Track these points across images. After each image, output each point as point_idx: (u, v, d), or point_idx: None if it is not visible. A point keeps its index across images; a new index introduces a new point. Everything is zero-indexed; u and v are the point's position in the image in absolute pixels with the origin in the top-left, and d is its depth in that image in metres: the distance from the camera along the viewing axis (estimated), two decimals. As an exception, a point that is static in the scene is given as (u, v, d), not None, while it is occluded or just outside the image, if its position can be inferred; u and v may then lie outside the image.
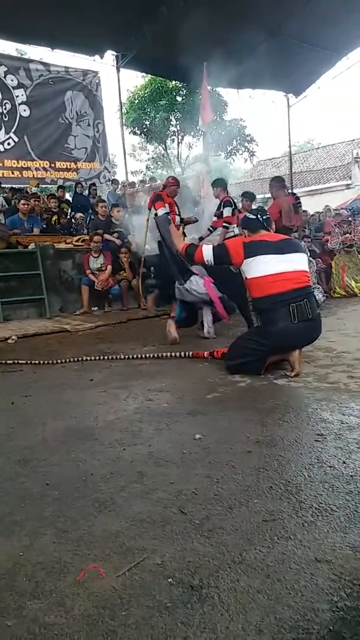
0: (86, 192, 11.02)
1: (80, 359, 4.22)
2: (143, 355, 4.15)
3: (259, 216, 3.55)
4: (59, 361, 4.19)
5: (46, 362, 4.20)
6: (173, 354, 4.07)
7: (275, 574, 1.29)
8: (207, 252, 3.60)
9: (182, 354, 4.02)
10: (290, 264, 3.27)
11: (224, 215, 6.68)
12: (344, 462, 1.91)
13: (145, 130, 21.75)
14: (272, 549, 1.40)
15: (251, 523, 1.54)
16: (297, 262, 3.31)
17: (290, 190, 7.39)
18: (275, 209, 6.63)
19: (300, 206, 7.70)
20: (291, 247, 3.38)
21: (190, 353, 4.01)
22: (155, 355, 4.12)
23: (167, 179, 6.92)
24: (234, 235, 6.56)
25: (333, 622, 1.12)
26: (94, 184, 11.54)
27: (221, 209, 6.91)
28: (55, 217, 9.33)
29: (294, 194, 7.38)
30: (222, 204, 6.93)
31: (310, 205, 14.35)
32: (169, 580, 1.29)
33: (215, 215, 7.15)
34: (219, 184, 7.33)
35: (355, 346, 3.96)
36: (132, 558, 1.40)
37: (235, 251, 3.41)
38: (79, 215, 9.98)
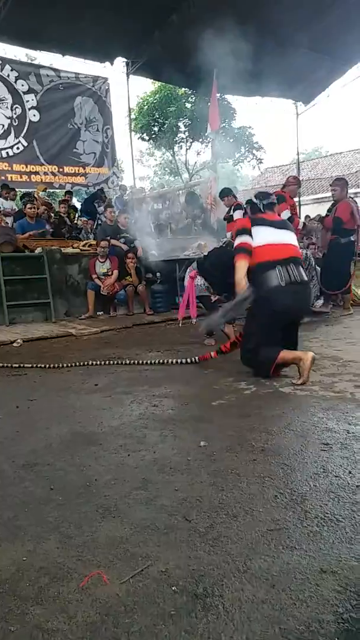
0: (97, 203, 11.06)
1: (85, 363, 4.22)
2: (148, 362, 4.15)
3: (260, 201, 3.83)
4: (64, 365, 4.20)
5: (51, 366, 4.20)
6: (179, 360, 4.07)
7: (280, 584, 1.28)
8: (239, 259, 3.54)
9: (190, 360, 4.03)
10: (282, 237, 3.59)
11: (235, 218, 6.72)
12: (350, 472, 1.90)
13: (153, 136, 21.81)
14: (277, 559, 1.39)
15: (256, 532, 1.53)
16: (288, 238, 3.64)
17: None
18: (347, 209, 6.63)
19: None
20: (284, 225, 3.74)
21: (197, 358, 4.02)
22: (162, 361, 4.12)
23: (288, 179, 6.74)
24: None
25: (338, 633, 1.11)
26: (101, 190, 11.59)
27: (231, 212, 6.95)
28: (62, 222, 9.39)
29: (351, 197, 7.41)
30: (233, 207, 6.98)
31: (318, 213, 14.34)
32: (173, 588, 1.29)
33: (224, 219, 7.19)
34: (227, 192, 7.39)
35: (362, 355, 3.94)
36: (136, 565, 1.40)
37: (245, 222, 3.70)
38: (83, 219, 10.06)
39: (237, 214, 6.74)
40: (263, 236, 3.53)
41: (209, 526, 1.58)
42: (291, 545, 1.45)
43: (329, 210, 7.04)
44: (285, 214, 6.04)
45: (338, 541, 1.45)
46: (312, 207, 19.69)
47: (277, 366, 3.40)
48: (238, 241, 3.58)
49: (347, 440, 2.23)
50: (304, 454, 2.10)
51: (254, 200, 3.89)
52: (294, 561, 1.37)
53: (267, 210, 3.80)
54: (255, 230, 3.55)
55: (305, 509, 1.64)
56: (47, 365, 4.20)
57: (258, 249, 3.50)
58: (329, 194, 7.33)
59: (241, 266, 3.51)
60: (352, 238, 6.70)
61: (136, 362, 4.17)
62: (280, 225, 3.70)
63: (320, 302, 6.77)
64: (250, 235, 3.55)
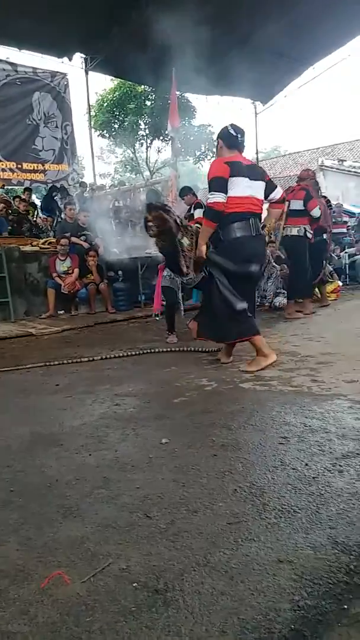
0: (57, 197, 10.90)
1: (46, 363, 4.17)
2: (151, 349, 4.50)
3: (239, 136, 3.64)
4: (24, 366, 4.13)
5: (11, 367, 4.13)
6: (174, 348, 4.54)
7: (239, 575, 1.31)
8: (207, 225, 3.61)
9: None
10: (256, 190, 3.58)
11: (195, 217, 6.75)
12: (307, 465, 1.96)
13: (113, 133, 21.64)
14: (236, 551, 1.42)
15: (216, 526, 1.56)
16: (259, 191, 3.62)
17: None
18: None
19: (331, 209, 8.13)
20: (258, 174, 3.65)
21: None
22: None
23: (307, 172, 6.56)
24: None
25: (294, 621, 1.14)
26: (62, 187, 11.43)
27: (192, 212, 6.97)
28: (23, 219, 9.21)
29: (325, 196, 7.54)
30: (193, 206, 7.01)
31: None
32: (134, 584, 1.30)
33: (185, 218, 7.20)
34: (187, 190, 7.40)
35: (319, 350, 4.05)
36: (97, 564, 1.40)
37: (223, 170, 3.49)
38: (42, 217, 9.92)
39: (197, 213, 6.76)
40: (241, 188, 3.49)
41: (170, 522, 1.59)
42: (250, 537, 1.48)
43: None
44: (317, 212, 6.12)
45: (294, 531, 1.50)
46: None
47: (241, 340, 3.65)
48: (212, 200, 3.47)
49: (304, 433, 2.29)
50: (263, 448, 2.15)
51: (231, 132, 3.62)
52: (253, 553, 1.41)
53: (242, 150, 3.68)
54: (237, 181, 3.46)
55: (264, 502, 1.68)
56: (7, 366, 4.13)
57: (235, 198, 3.48)
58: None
59: (205, 233, 3.56)
60: (324, 236, 6.84)
61: (128, 353, 4.45)
62: (253, 173, 3.59)
63: (280, 298, 6.88)
64: (226, 188, 3.44)
